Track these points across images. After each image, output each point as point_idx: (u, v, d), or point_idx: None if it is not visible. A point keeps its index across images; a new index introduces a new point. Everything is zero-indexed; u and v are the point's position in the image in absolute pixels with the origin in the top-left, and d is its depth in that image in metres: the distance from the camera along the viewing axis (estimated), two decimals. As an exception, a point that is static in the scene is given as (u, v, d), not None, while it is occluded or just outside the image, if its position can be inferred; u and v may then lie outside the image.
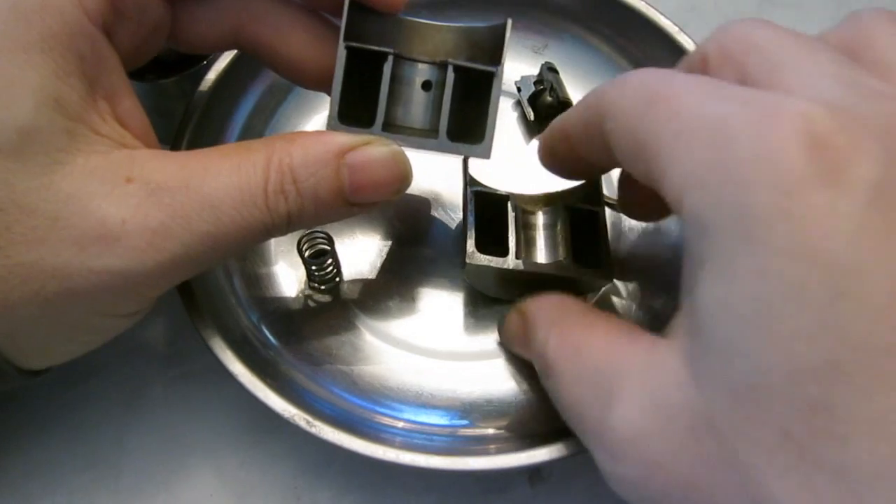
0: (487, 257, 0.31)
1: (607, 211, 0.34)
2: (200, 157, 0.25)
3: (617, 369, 0.22)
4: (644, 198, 0.30)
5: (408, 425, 0.31)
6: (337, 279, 0.35)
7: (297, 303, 0.35)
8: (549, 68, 0.39)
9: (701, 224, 0.19)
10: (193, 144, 0.34)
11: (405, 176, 0.27)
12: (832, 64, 0.20)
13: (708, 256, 0.19)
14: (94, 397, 0.34)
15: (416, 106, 0.30)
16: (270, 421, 0.28)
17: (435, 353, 0.34)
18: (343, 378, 0.33)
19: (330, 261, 0.33)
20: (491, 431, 0.31)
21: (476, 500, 0.32)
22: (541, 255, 0.34)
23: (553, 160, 0.30)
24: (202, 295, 0.31)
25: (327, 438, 0.28)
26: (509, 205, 0.33)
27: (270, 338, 0.33)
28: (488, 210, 0.33)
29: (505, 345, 0.33)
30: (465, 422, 0.32)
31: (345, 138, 0.26)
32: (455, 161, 0.36)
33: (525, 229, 0.34)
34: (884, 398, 0.16)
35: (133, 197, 0.23)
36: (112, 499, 0.32)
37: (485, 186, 0.34)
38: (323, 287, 0.35)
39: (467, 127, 0.29)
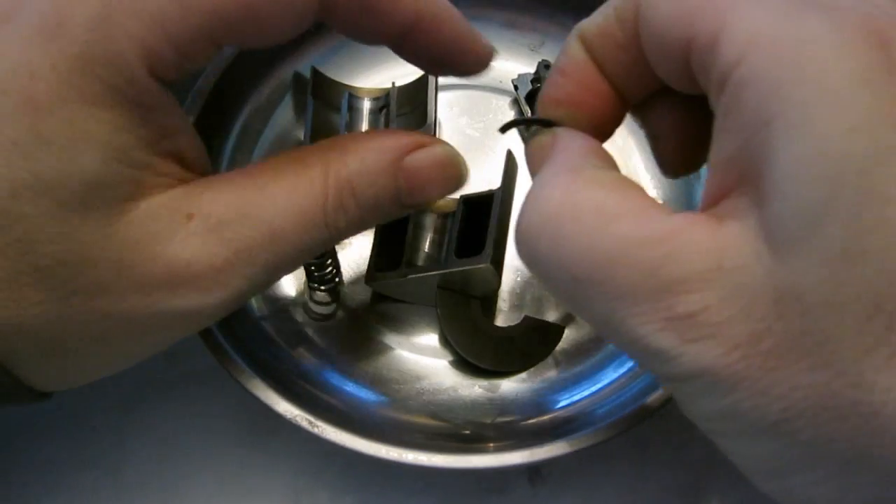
0: (383, 274, 0.33)
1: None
2: (254, 178, 0.24)
3: (676, 251, 0.19)
4: (680, 131, 0.25)
5: (409, 424, 0.31)
6: (336, 279, 0.35)
7: (297, 303, 0.35)
8: (546, 66, 0.39)
9: (771, 80, 0.18)
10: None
11: (461, 175, 0.27)
12: None
13: (781, 115, 0.17)
14: (95, 398, 0.34)
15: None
16: (270, 421, 0.29)
17: (435, 353, 0.34)
18: (343, 378, 0.33)
19: (329, 261, 0.33)
20: (491, 430, 0.32)
21: (476, 500, 0.33)
22: (422, 258, 0.34)
23: (561, 99, 0.24)
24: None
25: (330, 438, 0.28)
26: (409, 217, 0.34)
27: (270, 338, 0.33)
28: (395, 226, 0.34)
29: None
30: (465, 420, 0.32)
31: (399, 141, 0.25)
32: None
33: (419, 231, 0.35)
34: None
35: (196, 235, 0.23)
36: (113, 499, 0.32)
37: None
38: (322, 287, 0.35)
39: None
